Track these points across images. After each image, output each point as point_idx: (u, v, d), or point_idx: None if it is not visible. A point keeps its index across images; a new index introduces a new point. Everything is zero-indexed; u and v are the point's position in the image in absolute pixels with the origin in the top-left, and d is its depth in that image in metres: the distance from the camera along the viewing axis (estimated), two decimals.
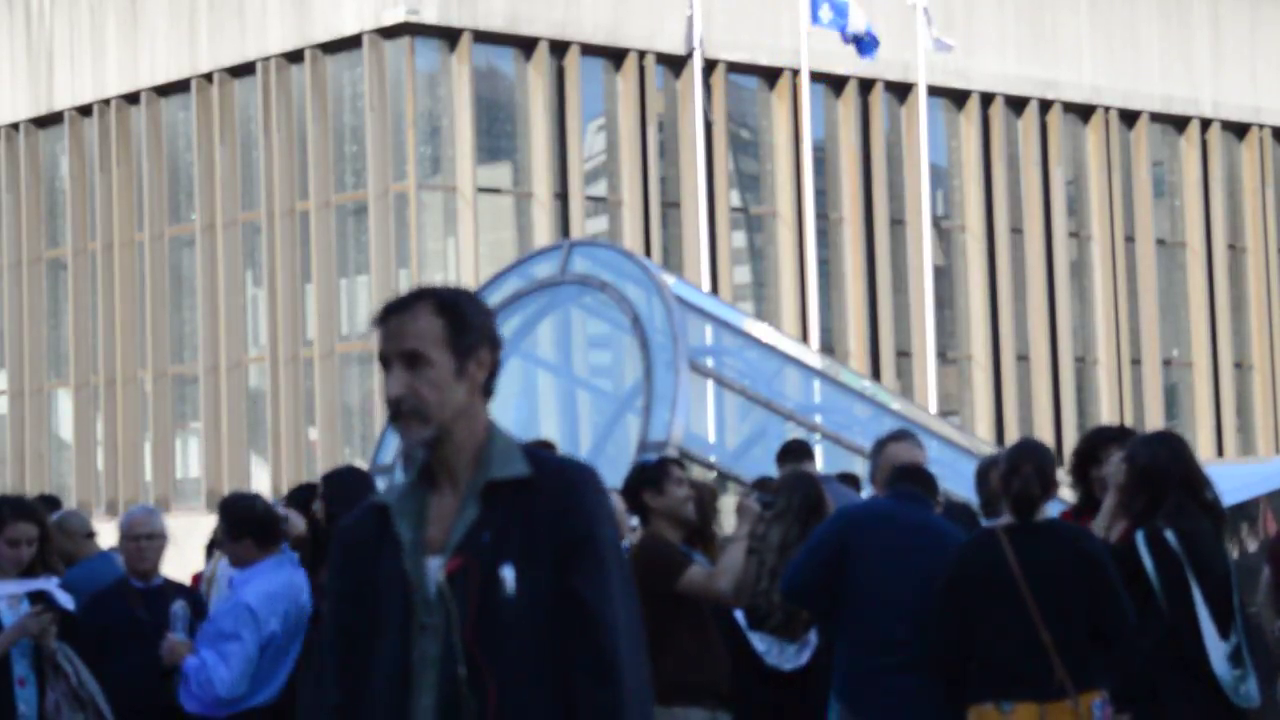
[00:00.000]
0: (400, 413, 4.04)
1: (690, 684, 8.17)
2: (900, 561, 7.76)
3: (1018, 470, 7.35)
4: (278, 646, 8.40)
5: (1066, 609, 7.15)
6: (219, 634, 8.36)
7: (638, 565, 7.93)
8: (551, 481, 4.05)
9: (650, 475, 8.60)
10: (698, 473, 14.57)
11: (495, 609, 3.99)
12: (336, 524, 8.52)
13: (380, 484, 16.40)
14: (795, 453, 11.87)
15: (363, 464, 22.65)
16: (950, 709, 7.39)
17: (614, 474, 14.21)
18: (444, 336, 4.05)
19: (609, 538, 4.07)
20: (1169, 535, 7.43)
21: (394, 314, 4.07)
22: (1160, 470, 7.50)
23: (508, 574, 3.98)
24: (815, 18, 30.77)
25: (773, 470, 11.65)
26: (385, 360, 4.07)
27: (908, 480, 8.06)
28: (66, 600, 8.45)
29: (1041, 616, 7.12)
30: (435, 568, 4.03)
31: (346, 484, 8.92)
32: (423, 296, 4.09)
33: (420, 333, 4.04)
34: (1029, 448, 7.54)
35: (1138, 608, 7.30)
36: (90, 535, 10.83)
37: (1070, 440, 31.71)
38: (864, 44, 31.03)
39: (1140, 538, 7.48)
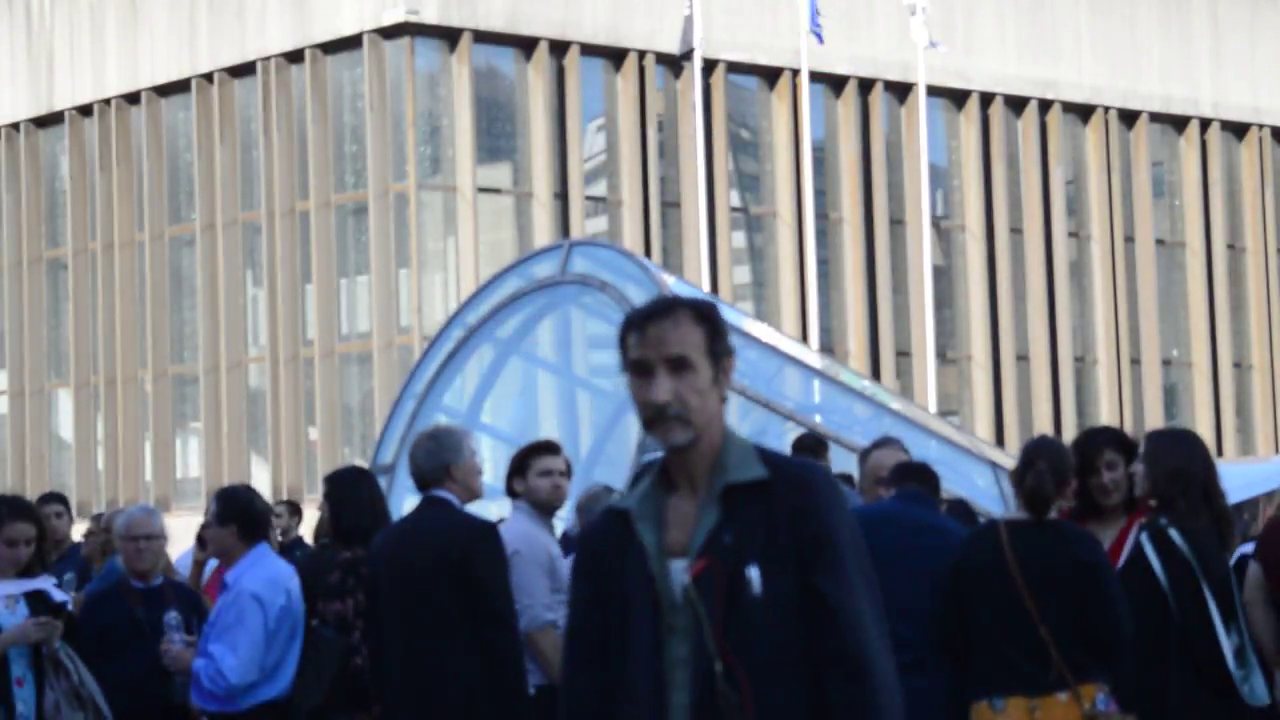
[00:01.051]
0: (664, 417, 4.12)
1: None
2: (905, 562, 7.76)
3: (1032, 465, 7.37)
4: (284, 636, 8.41)
5: (1063, 606, 7.16)
6: (224, 628, 8.38)
7: None
8: (788, 482, 4.15)
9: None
10: None
11: (743, 609, 4.08)
12: (342, 524, 8.58)
13: (380, 484, 16.43)
14: (809, 448, 11.85)
15: (363, 464, 22.65)
16: (956, 708, 7.40)
17: (614, 474, 14.23)
18: (704, 344, 4.16)
19: (846, 534, 4.17)
20: (1174, 535, 7.43)
21: (654, 320, 4.15)
22: (1173, 471, 7.52)
23: (753, 574, 4.08)
24: (814, 22, 30.71)
25: None
26: (643, 366, 4.14)
27: (911, 479, 8.06)
28: (64, 598, 8.47)
29: (1039, 612, 7.13)
30: (679, 570, 4.13)
31: (348, 483, 8.93)
32: (681, 305, 4.20)
33: (685, 339, 4.14)
34: (1044, 445, 7.55)
35: (1145, 608, 7.30)
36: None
37: (1070, 440, 31.71)
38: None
39: (1145, 538, 7.48)
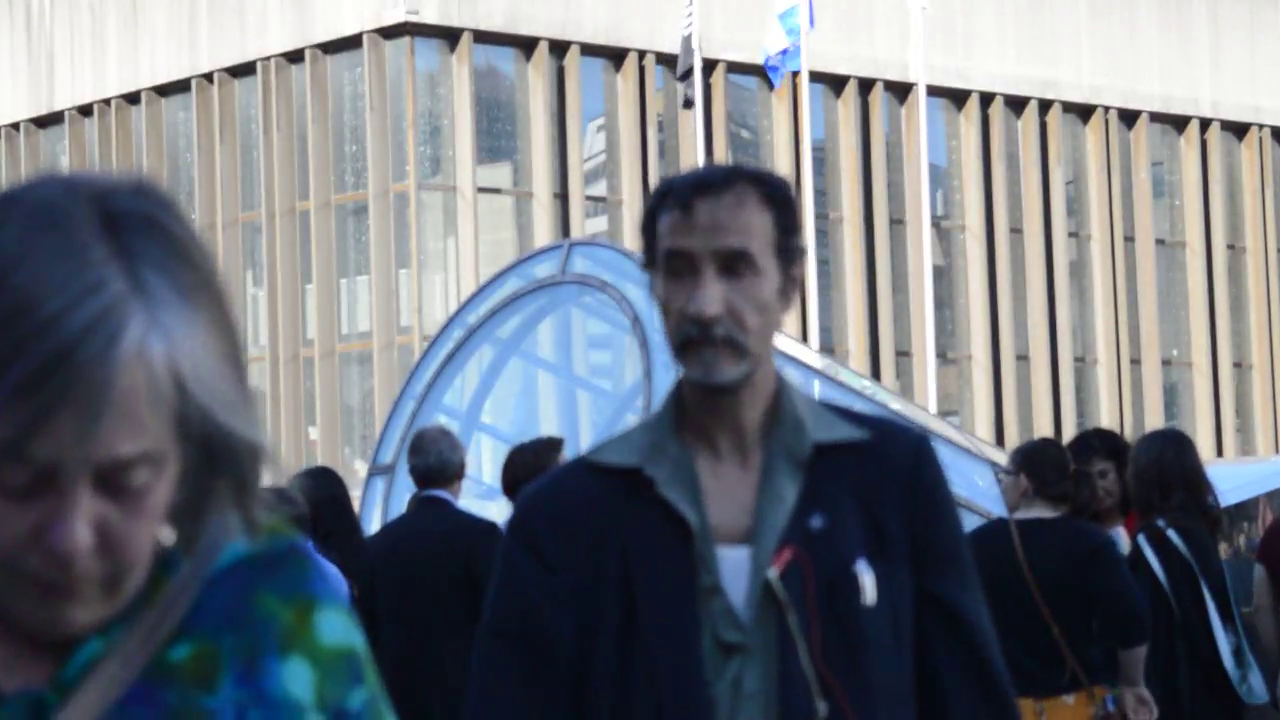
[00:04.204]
0: (709, 339, 2.83)
1: None
2: None
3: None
4: None
5: (1077, 605, 7.14)
6: None
7: None
8: (896, 449, 2.94)
9: None
10: None
11: (850, 621, 2.85)
12: (323, 525, 8.51)
13: (379, 484, 16.46)
14: None
15: (362, 464, 22.68)
16: None
17: None
18: (773, 238, 2.88)
19: (960, 522, 3.06)
20: (1172, 535, 7.44)
21: (707, 195, 2.88)
22: (1165, 469, 7.51)
23: (862, 571, 2.86)
24: (812, 23, 30.63)
25: None
26: (684, 260, 2.87)
27: None
28: None
29: (1051, 611, 7.11)
30: (738, 563, 2.86)
31: (321, 483, 8.81)
32: (744, 178, 2.90)
33: (748, 227, 2.86)
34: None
35: (1150, 610, 7.30)
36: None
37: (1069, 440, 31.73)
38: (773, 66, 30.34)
39: (1143, 539, 7.49)
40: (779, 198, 2.90)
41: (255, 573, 1.61)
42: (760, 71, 33.01)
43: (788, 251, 2.90)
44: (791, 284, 2.93)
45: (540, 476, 3.07)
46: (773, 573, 2.81)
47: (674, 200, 2.92)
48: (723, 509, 2.87)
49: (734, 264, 2.84)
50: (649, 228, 2.97)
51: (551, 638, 2.86)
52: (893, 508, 2.90)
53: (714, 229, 2.85)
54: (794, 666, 2.81)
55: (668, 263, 2.90)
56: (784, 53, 29.58)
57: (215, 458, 1.51)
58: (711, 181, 2.89)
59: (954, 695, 2.98)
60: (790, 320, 32.34)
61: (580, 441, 18.18)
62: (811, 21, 30.59)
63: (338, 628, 1.63)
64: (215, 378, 1.48)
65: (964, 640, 2.98)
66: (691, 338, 2.84)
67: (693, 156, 31.89)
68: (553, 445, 8.89)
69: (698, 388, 2.88)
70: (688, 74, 30.26)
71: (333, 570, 7.99)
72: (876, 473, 2.91)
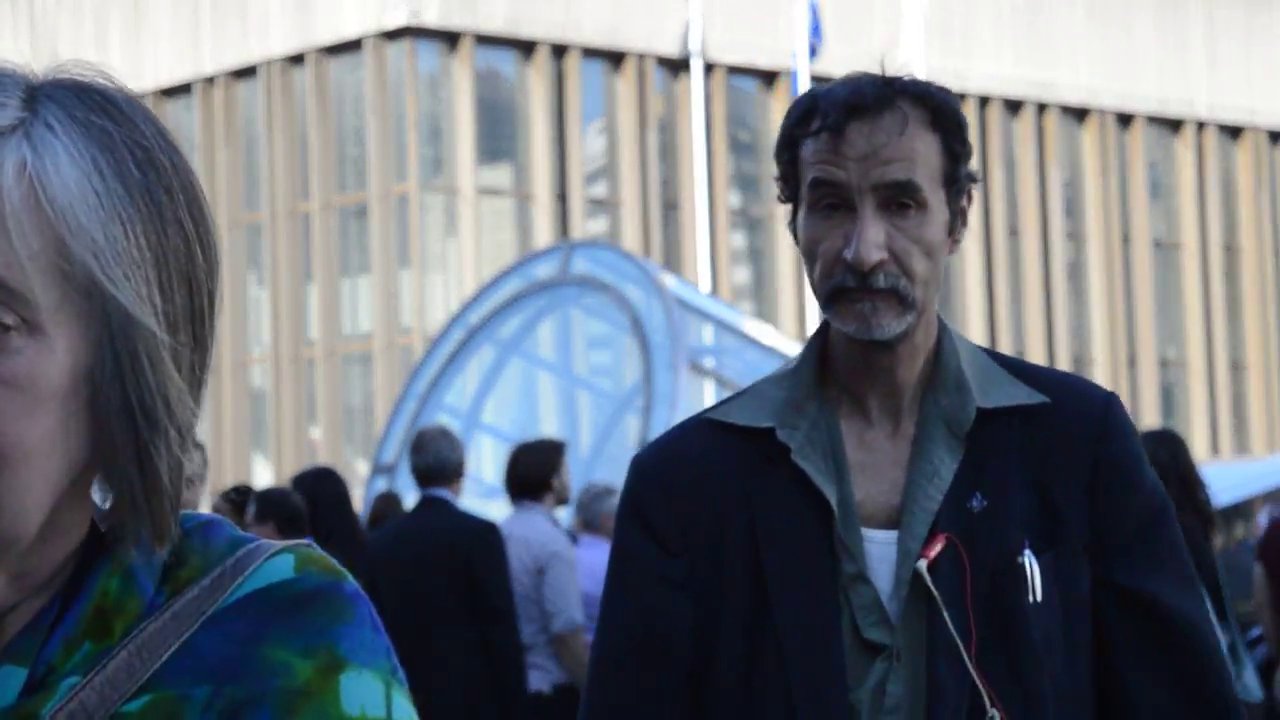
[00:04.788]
0: (867, 287, 2.38)
1: None
2: None
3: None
4: None
5: None
6: None
7: None
8: (1076, 413, 2.46)
9: None
10: None
11: (1013, 621, 2.40)
12: (322, 524, 8.53)
13: (380, 484, 16.58)
14: None
15: (364, 464, 22.81)
16: None
17: (613, 474, 14.39)
18: (941, 166, 2.42)
19: (1161, 500, 2.52)
20: None
21: (865, 117, 2.39)
22: (1159, 469, 7.65)
23: (1030, 563, 2.41)
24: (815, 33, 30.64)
25: None
26: (836, 193, 2.39)
27: None
28: None
29: None
30: (886, 549, 2.44)
31: (319, 482, 8.84)
32: (903, 94, 2.41)
33: (913, 154, 2.39)
34: None
35: None
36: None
37: None
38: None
39: None
40: (947, 118, 2.41)
41: (270, 613, 1.29)
42: (759, 73, 33.14)
43: (957, 182, 2.42)
44: (961, 221, 2.44)
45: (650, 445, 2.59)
46: (922, 564, 2.39)
47: (821, 122, 2.39)
48: (869, 484, 2.45)
49: (897, 199, 2.38)
50: (786, 154, 2.45)
51: (669, 632, 2.45)
52: (1070, 485, 2.44)
53: (873, 157, 2.37)
54: (946, 674, 2.38)
55: (815, 196, 2.40)
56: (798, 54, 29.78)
57: (121, 372, 1.24)
58: (867, 100, 2.39)
59: (1152, 714, 2.43)
60: (790, 320, 32.47)
61: (580, 441, 18.30)
62: (814, 31, 30.62)
63: (370, 698, 1.27)
64: (117, 252, 1.24)
65: (1169, 645, 2.43)
66: (847, 287, 2.38)
67: (692, 158, 32.01)
68: (556, 447, 8.95)
69: (850, 341, 2.43)
70: (684, 63, 30.32)
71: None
72: (1052, 442, 2.44)
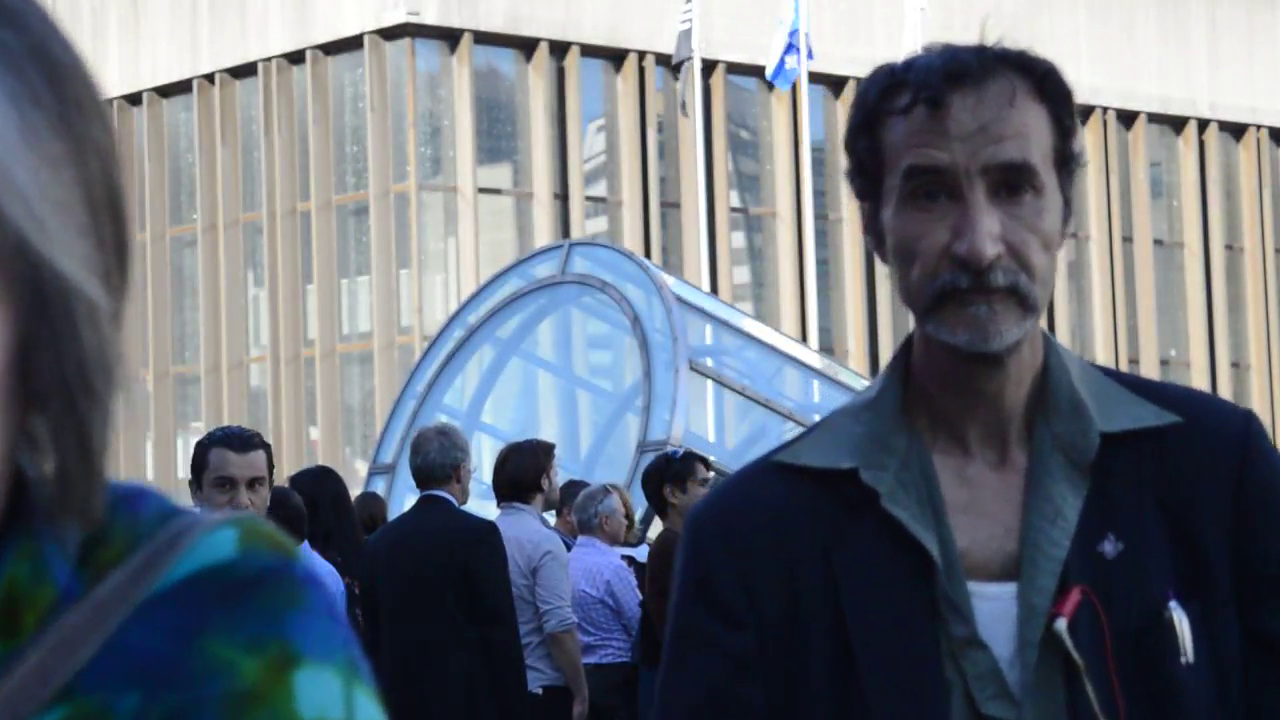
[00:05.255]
0: (982, 288, 1.98)
1: None
2: None
3: None
4: None
5: None
6: None
7: (659, 563, 7.97)
8: (1213, 435, 2.08)
9: (676, 471, 8.59)
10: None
11: (1163, 686, 2.01)
12: (320, 525, 8.50)
13: (380, 484, 16.54)
14: None
15: (363, 464, 22.76)
16: None
17: (613, 474, 14.32)
18: (1053, 144, 2.05)
19: None
20: None
21: (965, 87, 2.04)
22: None
23: (1179, 618, 2.02)
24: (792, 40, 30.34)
25: None
26: (939, 178, 2.00)
27: None
28: None
29: None
30: (1002, 606, 2.02)
31: (316, 483, 8.80)
32: (1004, 61, 2.11)
33: (1025, 130, 2.03)
34: None
35: None
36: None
37: None
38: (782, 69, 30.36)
39: None
40: (1054, 87, 2.09)
41: (210, 600, 1.08)
42: (759, 72, 33.10)
43: (1069, 161, 2.06)
44: (1070, 209, 2.07)
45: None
46: (1061, 623, 1.98)
47: (914, 96, 2.02)
48: (976, 530, 2.04)
49: (1010, 183, 2.00)
50: (864, 140, 2.06)
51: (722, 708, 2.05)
52: (1212, 520, 2.05)
53: (981, 134, 2.01)
54: None
55: (910, 186, 2.01)
56: (788, 52, 29.61)
57: (59, 343, 1.05)
58: (969, 67, 2.07)
59: None
60: (790, 320, 32.42)
61: (580, 441, 18.26)
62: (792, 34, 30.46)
63: (329, 698, 1.07)
64: (49, 202, 1.04)
65: None
66: (957, 288, 1.99)
67: (692, 157, 31.96)
68: (546, 449, 8.92)
69: (953, 357, 2.02)
70: (681, 64, 30.26)
71: (325, 567, 7.54)
72: (1188, 469, 2.06)
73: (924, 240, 2.01)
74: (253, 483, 5.88)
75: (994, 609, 2.01)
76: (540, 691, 8.56)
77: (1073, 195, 2.07)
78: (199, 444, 5.81)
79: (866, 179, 2.06)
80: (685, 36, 29.99)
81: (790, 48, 29.63)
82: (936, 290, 2.00)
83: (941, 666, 1.99)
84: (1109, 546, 2.02)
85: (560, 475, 11.75)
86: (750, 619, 2.05)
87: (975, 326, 1.98)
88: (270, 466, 6.01)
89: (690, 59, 29.82)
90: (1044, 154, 2.03)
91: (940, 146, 1.99)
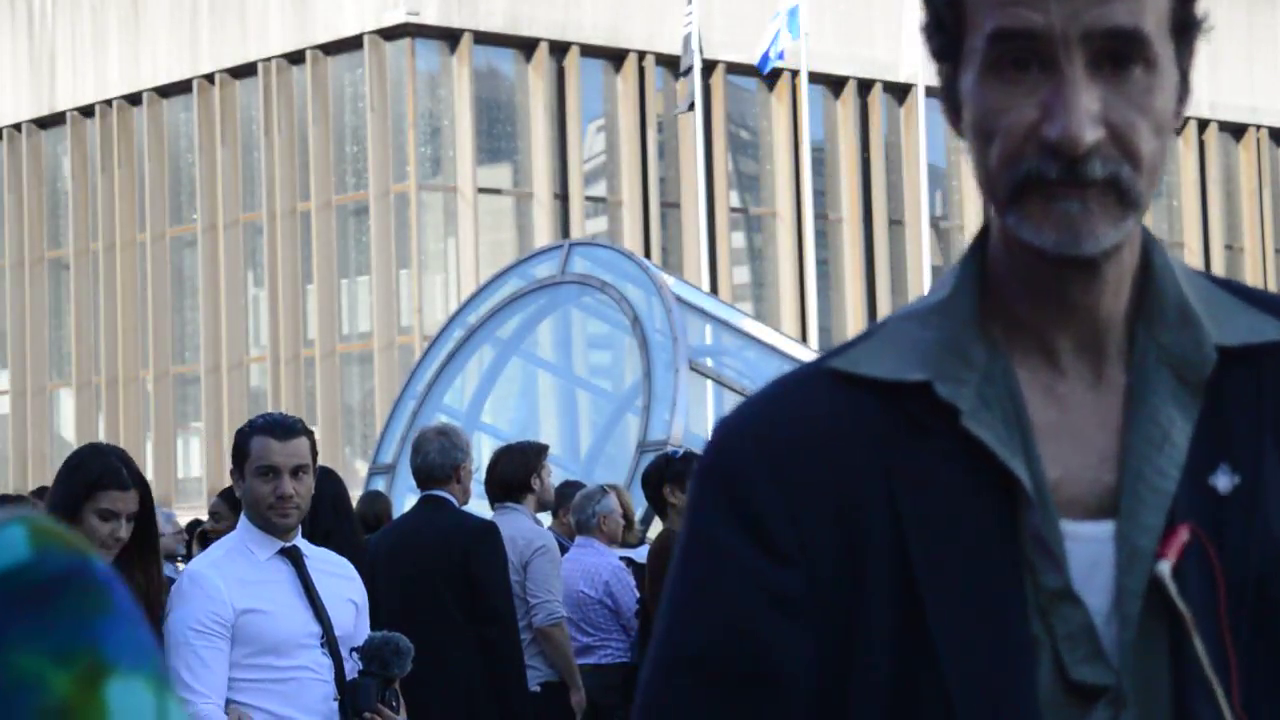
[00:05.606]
0: (1077, 179, 1.63)
1: None
2: None
3: None
4: None
5: None
6: None
7: (659, 563, 7.97)
8: None
9: (676, 471, 8.61)
10: None
11: None
12: (319, 524, 8.56)
13: (380, 484, 16.53)
14: None
15: (363, 464, 22.76)
16: None
17: (613, 474, 14.33)
18: (1170, 9, 1.67)
19: None
20: None
21: None
22: None
23: None
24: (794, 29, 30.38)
25: None
26: (1029, 44, 1.63)
27: None
28: None
29: None
30: (1098, 548, 1.67)
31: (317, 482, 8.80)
32: None
33: None
34: None
35: None
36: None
37: None
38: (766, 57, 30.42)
39: None
40: None
41: (8, 606, 1.00)
42: (759, 72, 33.11)
43: (1190, 29, 1.69)
44: (1187, 87, 1.71)
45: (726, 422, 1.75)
46: (1164, 566, 1.64)
47: None
48: (1067, 456, 1.69)
49: (1117, 53, 1.64)
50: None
51: (778, 674, 1.66)
52: None
53: (1090, 3, 1.62)
54: (1195, 709, 1.64)
55: (996, 51, 1.65)
56: (774, 42, 29.61)
57: None
58: None
59: None
60: (790, 320, 32.43)
61: (580, 441, 18.26)
62: (795, 30, 30.46)
63: (142, 710, 1.01)
64: None
65: None
66: (1045, 178, 1.63)
67: (692, 157, 31.97)
68: (537, 449, 8.96)
69: (1038, 259, 1.67)
70: (688, 71, 30.30)
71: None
72: None
73: (1008, 116, 1.64)
74: (296, 470, 5.67)
75: (1088, 552, 1.66)
76: (538, 689, 8.57)
77: (1191, 70, 1.71)
78: (240, 432, 5.75)
79: (945, 37, 1.70)
80: (689, 40, 30.01)
81: (790, 25, 29.62)
82: (1019, 178, 1.64)
83: (1027, 623, 1.64)
84: (1223, 480, 1.68)
85: (560, 475, 11.77)
86: (797, 552, 1.66)
87: (1065, 225, 1.64)
88: (314, 454, 5.78)
89: (693, 65, 29.83)
90: (1159, 18, 1.66)
91: (1034, 5, 1.63)
